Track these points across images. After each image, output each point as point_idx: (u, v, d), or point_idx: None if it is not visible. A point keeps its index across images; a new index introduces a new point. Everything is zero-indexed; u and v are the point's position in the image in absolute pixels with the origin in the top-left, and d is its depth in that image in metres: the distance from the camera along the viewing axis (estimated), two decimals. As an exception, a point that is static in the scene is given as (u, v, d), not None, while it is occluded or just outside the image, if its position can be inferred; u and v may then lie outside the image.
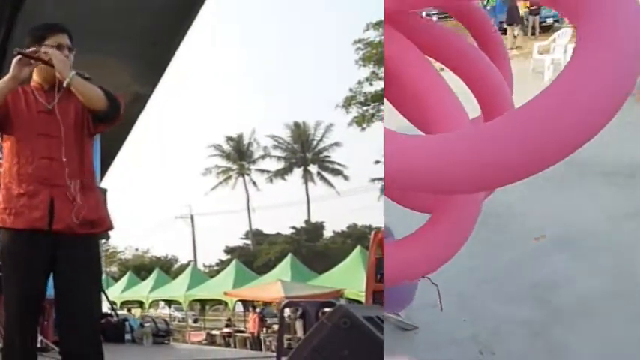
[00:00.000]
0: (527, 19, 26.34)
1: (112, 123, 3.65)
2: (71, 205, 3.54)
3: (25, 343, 3.59)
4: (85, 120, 3.64)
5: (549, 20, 27.60)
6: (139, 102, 11.44)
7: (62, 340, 3.66)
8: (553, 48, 13.82)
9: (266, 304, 26.70)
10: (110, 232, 11.19)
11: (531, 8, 25.81)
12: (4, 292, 3.69)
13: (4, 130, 3.62)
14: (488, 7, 29.13)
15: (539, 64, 13.20)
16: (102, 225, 3.70)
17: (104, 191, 10.73)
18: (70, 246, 3.53)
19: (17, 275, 3.55)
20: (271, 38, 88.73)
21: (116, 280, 41.24)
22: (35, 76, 3.68)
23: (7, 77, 3.51)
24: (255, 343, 23.15)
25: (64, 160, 3.55)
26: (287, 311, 12.43)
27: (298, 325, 11.81)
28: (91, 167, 3.72)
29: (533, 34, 25.54)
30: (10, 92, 3.52)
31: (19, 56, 3.52)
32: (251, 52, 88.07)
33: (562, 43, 13.66)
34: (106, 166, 13.99)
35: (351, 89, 50.00)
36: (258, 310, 27.33)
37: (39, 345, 7.08)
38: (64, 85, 3.51)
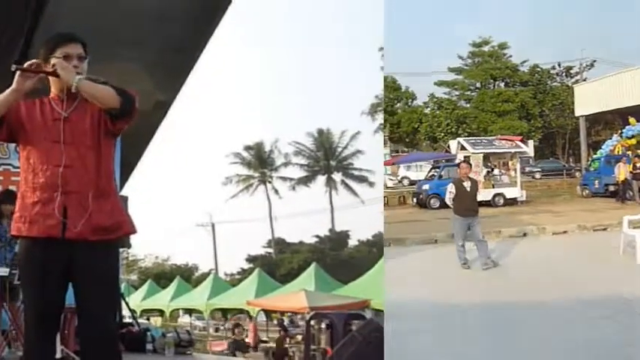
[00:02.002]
0: (630, 184, 24.42)
1: (129, 118, 3.60)
2: (84, 212, 3.50)
3: (43, 352, 3.57)
4: (103, 123, 3.61)
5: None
6: (161, 109, 11.38)
7: (81, 348, 3.65)
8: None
9: (285, 313, 26.57)
10: (131, 241, 11.02)
11: (635, 174, 24.10)
12: (23, 299, 3.74)
13: (20, 140, 3.63)
14: (591, 169, 28.77)
15: (629, 239, 11.57)
16: (118, 230, 3.64)
17: (125, 199, 10.65)
18: (84, 253, 3.50)
19: (33, 283, 3.55)
20: (294, 45, 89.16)
21: (136, 288, 41.38)
22: (52, 87, 3.69)
23: (9, 90, 3.53)
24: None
25: (78, 166, 3.53)
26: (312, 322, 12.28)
27: (323, 336, 11.64)
28: (109, 172, 3.66)
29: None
30: (12, 104, 3.54)
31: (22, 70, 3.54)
32: (274, 59, 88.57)
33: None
34: (127, 173, 13.94)
35: (376, 96, 50.14)
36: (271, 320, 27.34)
37: (60, 355, 6.98)
38: (72, 90, 3.51)
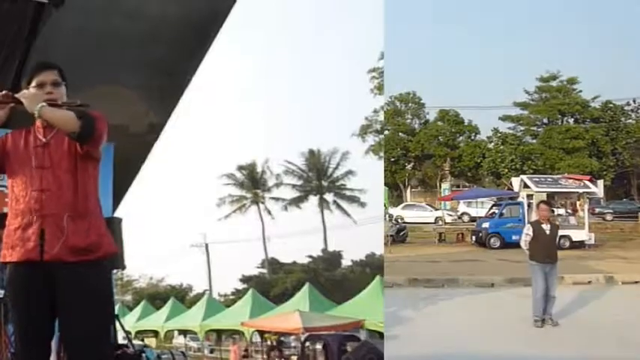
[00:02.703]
0: None
1: (90, 140, 3.65)
2: (61, 234, 3.56)
3: None
4: (75, 146, 3.70)
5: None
6: (154, 132, 11.37)
7: None
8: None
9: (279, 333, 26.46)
10: (125, 262, 11.03)
11: None
12: (12, 324, 3.80)
13: (7, 170, 3.79)
14: None
15: None
16: (96, 251, 3.65)
17: (119, 220, 10.62)
18: (64, 274, 3.54)
19: (18, 307, 3.64)
20: (286, 67, 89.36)
21: (131, 309, 41.17)
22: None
23: None
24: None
25: (54, 189, 3.62)
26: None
27: (318, 357, 11.59)
28: (86, 194, 3.71)
29: None
30: None
31: None
32: (265, 81, 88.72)
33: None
34: (120, 195, 13.91)
35: (366, 118, 50.30)
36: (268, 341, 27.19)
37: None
38: (36, 117, 3.64)
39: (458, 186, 51.18)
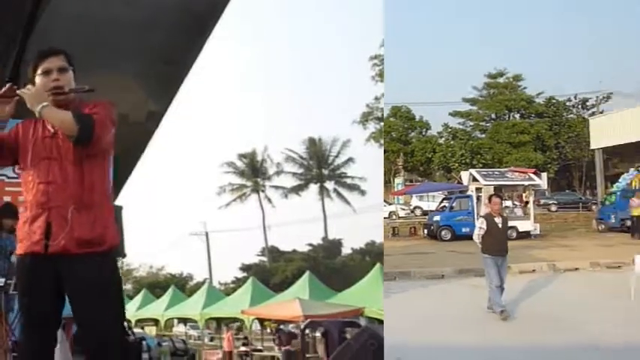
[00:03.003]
0: None
1: (86, 145, 3.60)
2: (66, 226, 3.55)
3: (39, 345, 3.63)
4: None
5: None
6: (154, 120, 11.36)
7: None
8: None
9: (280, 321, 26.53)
10: (125, 250, 11.05)
11: None
12: (19, 312, 3.88)
13: (17, 161, 3.79)
14: (607, 203, 28.97)
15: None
16: (102, 243, 3.64)
17: (119, 208, 10.63)
18: (70, 266, 3.54)
19: (24, 296, 3.66)
20: (287, 55, 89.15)
21: (131, 298, 41.26)
22: None
23: None
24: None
25: (60, 181, 3.61)
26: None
27: (318, 344, 11.61)
28: (92, 185, 3.68)
29: None
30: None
31: None
32: (266, 69, 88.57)
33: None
34: (120, 183, 13.91)
35: (367, 105, 50.33)
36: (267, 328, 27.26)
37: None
38: (37, 115, 3.60)
39: (411, 180, 52.05)
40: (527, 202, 26.33)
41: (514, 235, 23.06)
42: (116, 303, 3.72)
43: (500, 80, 50.45)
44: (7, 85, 3.69)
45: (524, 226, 24.87)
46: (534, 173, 27.51)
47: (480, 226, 10.30)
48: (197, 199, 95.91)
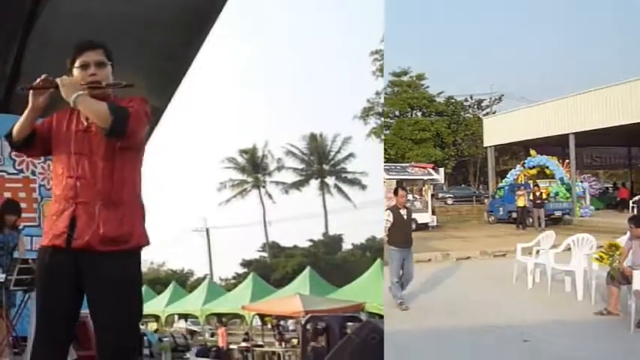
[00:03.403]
0: (529, 211, 26.49)
1: (119, 138, 3.55)
2: (92, 222, 3.50)
3: (48, 357, 3.58)
4: None
5: (557, 213, 28.29)
6: (154, 116, 11.36)
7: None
8: (536, 251, 12.14)
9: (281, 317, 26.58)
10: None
11: (536, 202, 26.02)
12: (35, 306, 3.81)
13: (50, 152, 3.75)
14: (497, 197, 31.12)
15: (522, 266, 12.04)
16: (127, 241, 3.57)
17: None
18: (91, 263, 3.49)
19: (41, 291, 3.63)
20: (287, 51, 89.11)
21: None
22: None
23: (28, 108, 3.64)
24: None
25: (88, 177, 3.56)
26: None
27: (319, 339, 11.64)
28: (122, 182, 3.61)
29: (539, 225, 25.09)
30: (33, 121, 3.67)
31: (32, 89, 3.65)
32: (266, 64, 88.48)
33: (546, 247, 11.94)
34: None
35: (368, 100, 50.42)
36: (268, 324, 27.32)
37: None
38: (71, 105, 3.55)
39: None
40: (425, 195, 27.62)
41: (413, 226, 23.66)
42: (135, 303, 3.68)
43: (405, 79, 51.66)
44: (43, 76, 3.65)
45: (422, 218, 25.75)
46: (433, 168, 29.19)
47: (387, 218, 10.42)
48: (198, 195, 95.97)
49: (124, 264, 3.57)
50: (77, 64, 3.70)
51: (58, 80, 3.58)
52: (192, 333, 35.40)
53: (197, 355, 20.25)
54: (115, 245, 3.52)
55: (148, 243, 3.75)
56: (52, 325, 3.56)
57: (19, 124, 3.68)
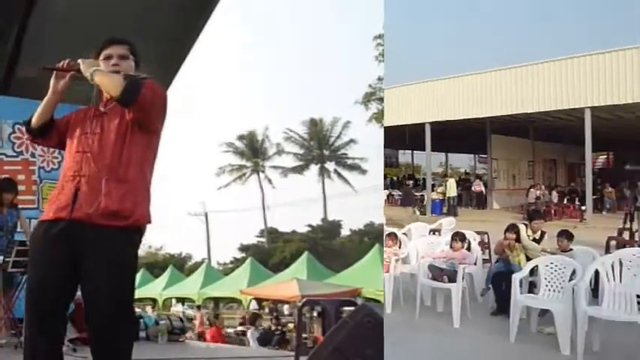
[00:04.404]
0: None
1: (131, 104, 3.59)
2: (94, 195, 3.53)
3: (41, 336, 3.51)
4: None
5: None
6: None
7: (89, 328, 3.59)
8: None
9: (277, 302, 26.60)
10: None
11: None
12: (27, 282, 3.77)
13: (63, 144, 3.84)
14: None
15: None
16: (127, 218, 3.56)
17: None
18: (87, 236, 3.49)
19: (34, 263, 3.61)
20: (288, 34, 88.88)
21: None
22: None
23: (48, 93, 3.78)
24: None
25: (96, 152, 3.61)
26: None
27: (315, 323, 11.70)
28: (130, 160, 3.64)
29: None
30: (53, 106, 3.83)
31: (54, 71, 3.78)
32: (267, 49, 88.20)
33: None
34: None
35: (370, 85, 50.17)
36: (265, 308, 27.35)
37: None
38: (89, 80, 3.66)
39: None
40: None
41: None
42: (129, 280, 3.66)
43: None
44: (67, 60, 3.76)
45: None
46: None
47: None
48: (197, 179, 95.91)
49: (121, 239, 3.56)
50: (102, 57, 3.85)
51: (79, 60, 3.72)
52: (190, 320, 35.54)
53: (259, 341, 19.99)
54: (115, 220, 3.52)
55: (148, 221, 3.75)
56: (44, 301, 3.50)
57: (39, 110, 3.81)
